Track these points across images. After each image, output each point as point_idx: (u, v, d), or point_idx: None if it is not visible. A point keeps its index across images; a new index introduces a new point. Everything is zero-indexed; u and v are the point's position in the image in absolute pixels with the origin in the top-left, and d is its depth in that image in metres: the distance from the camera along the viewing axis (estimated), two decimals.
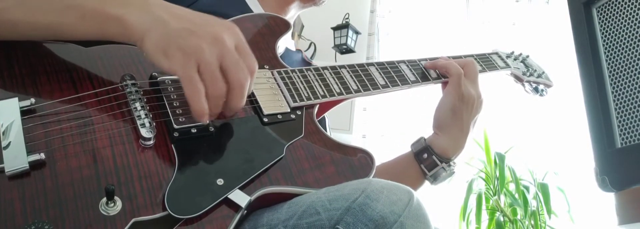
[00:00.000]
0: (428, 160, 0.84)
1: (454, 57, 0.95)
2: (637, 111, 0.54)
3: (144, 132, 0.58)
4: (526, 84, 1.07)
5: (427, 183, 0.87)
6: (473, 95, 0.86)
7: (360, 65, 0.84)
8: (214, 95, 0.56)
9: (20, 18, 0.58)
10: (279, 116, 0.70)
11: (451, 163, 0.85)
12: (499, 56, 1.05)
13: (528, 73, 1.06)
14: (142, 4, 0.59)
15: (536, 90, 1.07)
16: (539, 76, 1.07)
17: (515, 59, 1.08)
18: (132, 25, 0.57)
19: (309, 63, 1.07)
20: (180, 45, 0.55)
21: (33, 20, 0.58)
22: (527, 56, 1.10)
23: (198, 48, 0.55)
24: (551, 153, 2.50)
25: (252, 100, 0.71)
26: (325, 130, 0.96)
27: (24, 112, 0.56)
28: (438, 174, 0.84)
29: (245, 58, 0.59)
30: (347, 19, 3.09)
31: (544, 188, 2.34)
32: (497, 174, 2.39)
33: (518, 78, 1.06)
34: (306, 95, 0.74)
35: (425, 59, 0.93)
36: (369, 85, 0.82)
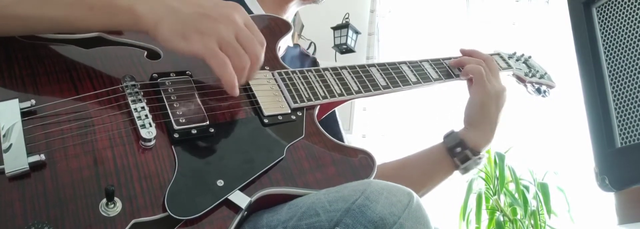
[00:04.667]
0: (461, 154, 0.89)
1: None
2: (637, 111, 0.54)
3: (144, 133, 0.58)
4: (528, 85, 1.07)
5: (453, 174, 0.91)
6: (499, 90, 0.90)
7: (361, 66, 0.84)
8: (240, 67, 0.61)
9: (28, 12, 0.59)
10: (280, 118, 0.70)
11: (481, 155, 0.90)
12: (501, 57, 1.04)
13: (530, 74, 1.06)
14: None
15: (538, 91, 1.07)
16: (542, 77, 1.07)
17: (517, 60, 1.08)
18: (143, 14, 0.59)
19: (307, 56, 1.07)
20: (197, 27, 0.59)
21: (41, 14, 0.59)
22: (530, 57, 1.10)
23: (216, 29, 0.59)
24: (551, 153, 2.50)
25: (252, 101, 0.71)
26: (337, 125, 0.97)
27: (25, 113, 0.56)
28: (469, 166, 0.89)
29: (255, 34, 0.64)
30: (347, 18, 3.09)
31: (543, 188, 2.33)
32: (497, 174, 2.39)
33: (520, 79, 1.06)
34: (307, 96, 0.74)
35: (427, 60, 0.93)
36: (369, 85, 0.82)
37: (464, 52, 0.97)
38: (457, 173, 0.91)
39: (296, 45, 1.08)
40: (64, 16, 0.59)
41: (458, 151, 0.89)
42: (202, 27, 0.59)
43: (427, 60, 0.92)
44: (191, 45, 0.59)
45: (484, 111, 0.89)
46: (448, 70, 0.93)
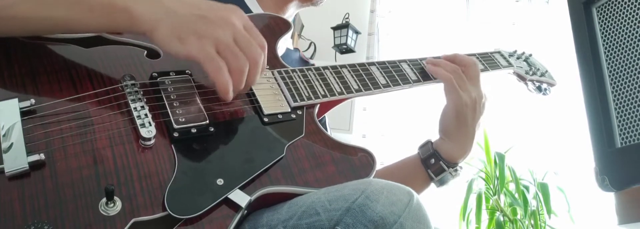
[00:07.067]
0: (435, 166, 0.85)
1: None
2: (637, 111, 0.54)
3: (144, 132, 0.58)
4: (529, 83, 1.06)
5: (432, 185, 0.87)
6: (474, 98, 0.85)
7: (361, 65, 0.84)
8: (238, 70, 0.60)
9: (27, 13, 0.58)
10: (280, 116, 0.70)
11: (457, 167, 0.86)
12: (502, 55, 1.04)
13: (531, 72, 1.05)
14: None
15: (539, 89, 1.06)
16: (542, 75, 1.07)
17: (517, 58, 1.07)
18: (141, 15, 0.58)
19: (307, 62, 1.07)
20: (194, 30, 0.58)
21: (41, 15, 0.59)
22: (530, 55, 1.10)
23: (213, 32, 0.59)
24: (551, 153, 2.50)
25: (252, 99, 0.71)
26: (326, 129, 0.96)
27: (24, 113, 0.56)
28: (445, 179, 0.85)
29: (255, 37, 0.63)
30: (347, 18, 3.09)
31: (544, 188, 2.34)
32: (497, 174, 2.39)
33: (521, 77, 1.05)
34: (307, 94, 0.74)
35: (427, 58, 0.92)
36: (370, 84, 0.81)
37: (444, 57, 0.91)
38: (433, 185, 0.87)
39: (296, 49, 1.08)
40: (64, 17, 0.59)
41: (432, 163, 0.85)
42: (199, 30, 0.58)
43: (427, 59, 0.92)
44: (187, 48, 0.58)
45: (459, 120, 0.83)
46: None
